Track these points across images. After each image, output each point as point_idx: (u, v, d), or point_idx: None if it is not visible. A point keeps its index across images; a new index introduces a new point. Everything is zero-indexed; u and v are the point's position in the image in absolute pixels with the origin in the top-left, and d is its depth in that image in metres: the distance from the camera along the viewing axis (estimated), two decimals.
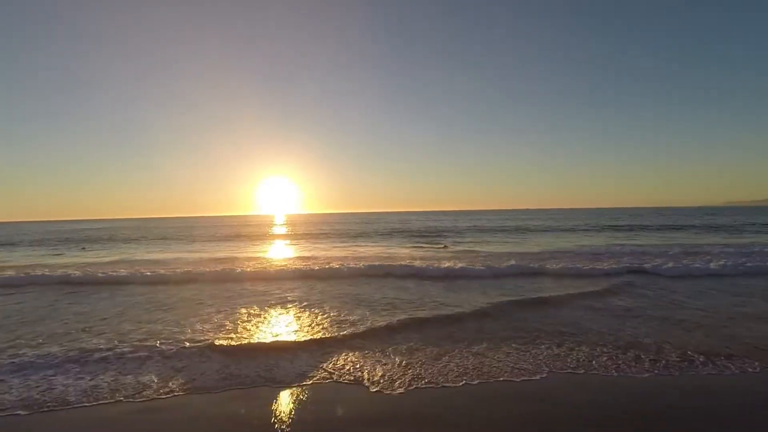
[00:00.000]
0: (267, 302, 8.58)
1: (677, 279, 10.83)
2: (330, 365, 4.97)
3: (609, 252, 17.17)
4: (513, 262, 13.55)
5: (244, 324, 6.84)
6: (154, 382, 4.57)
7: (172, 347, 5.64)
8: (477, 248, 21.11)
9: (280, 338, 6.06)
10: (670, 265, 12.29)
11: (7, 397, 4.21)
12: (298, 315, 7.51)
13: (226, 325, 6.76)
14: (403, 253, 19.36)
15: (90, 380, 4.64)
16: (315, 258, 17.16)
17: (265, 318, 7.29)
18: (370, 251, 20.46)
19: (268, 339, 6.02)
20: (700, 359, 4.99)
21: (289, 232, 41.93)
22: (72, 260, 18.96)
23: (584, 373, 4.65)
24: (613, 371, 4.69)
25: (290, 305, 8.27)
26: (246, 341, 5.89)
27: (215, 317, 7.34)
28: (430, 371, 4.74)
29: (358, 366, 4.93)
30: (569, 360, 5.04)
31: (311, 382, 4.52)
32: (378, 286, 10.28)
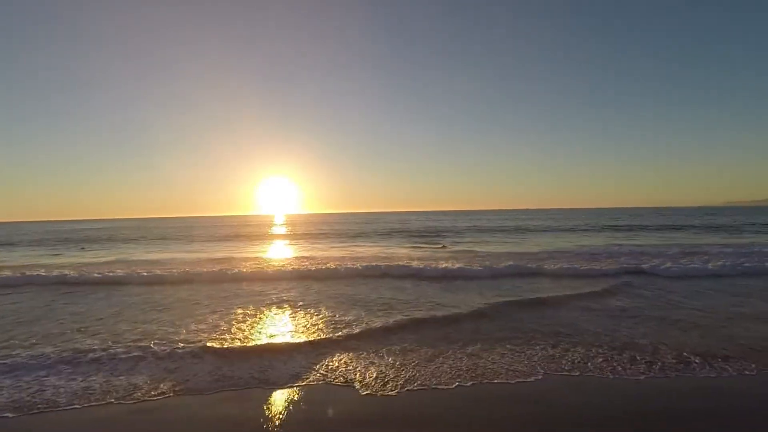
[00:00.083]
0: (263, 303, 8.55)
1: (675, 279, 10.80)
2: (323, 367, 4.95)
3: (607, 252, 17.13)
4: (511, 262, 13.52)
5: (239, 325, 6.81)
6: (146, 383, 4.54)
7: (165, 348, 5.61)
8: (475, 248, 21.08)
9: (274, 339, 6.03)
10: (668, 265, 12.26)
11: None
12: (294, 316, 7.48)
13: (220, 326, 6.73)
14: (401, 253, 19.33)
15: (82, 381, 4.61)
16: (313, 258, 17.13)
17: (260, 319, 7.26)
18: (368, 251, 20.43)
19: (262, 340, 5.99)
20: (697, 360, 4.96)
21: (288, 233, 41.91)
22: (70, 260, 18.93)
23: (580, 375, 4.61)
24: (609, 373, 4.65)
25: (286, 306, 8.24)
26: (240, 342, 5.87)
27: (210, 318, 7.31)
28: (423, 373, 4.71)
29: (351, 367, 4.90)
30: (565, 361, 5.01)
31: (304, 383, 4.49)
32: (375, 287, 10.25)
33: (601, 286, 9.69)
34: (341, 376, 4.67)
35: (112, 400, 4.13)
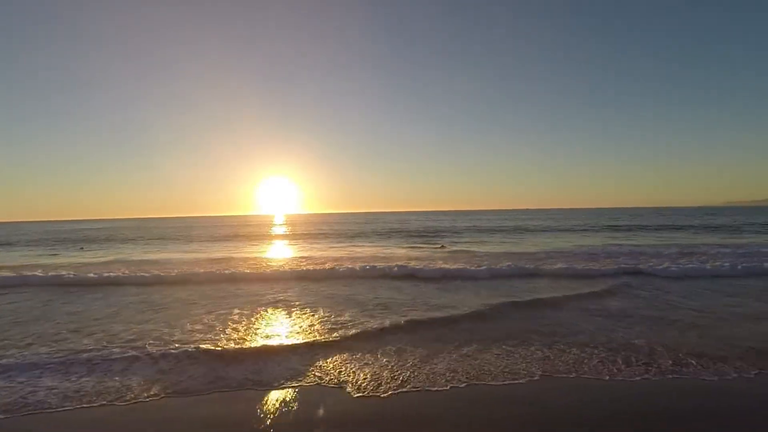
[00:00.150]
0: (259, 303, 8.53)
1: (673, 280, 10.78)
2: (318, 368, 4.93)
3: (606, 252, 17.12)
4: (509, 262, 13.52)
5: (235, 325, 6.80)
6: (139, 384, 4.53)
7: (160, 349, 5.60)
8: (474, 248, 21.06)
9: (269, 340, 6.01)
10: (666, 265, 12.25)
11: None
12: (290, 316, 7.47)
13: (216, 327, 6.71)
14: (399, 253, 19.32)
15: (75, 382, 4.60)
16: (311, 258, 17.12)
17: (255, 319, 7.24)
18: (366, 251, 20.41)
19: (257, 341, 5.97)
20: (693, 361, 4.94)
21: (288, 233, 41.89)
22: (69, 260, 18.91)
23: (576, 376, 4.59)
24: (606, 374, 4.63)
25: (282, 306, 8.22)
26: (235, 343, 5.85)
27: (206, 318, 7.30)
28: (417, 374, 4.69)
29: (345, 369, 4.88)
30: (562, 362, 4.98)
31: (298, 385, 4.47)
32: (372, 287, 10.23)
33: (598, 287, 9.67)
34: (335, 377, 4.65)
35: (104, 402, 4.12)
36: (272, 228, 52.45)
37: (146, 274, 12.32)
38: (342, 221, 72.65)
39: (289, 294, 9.51)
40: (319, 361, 5.16)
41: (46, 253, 23.97)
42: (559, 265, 12.84)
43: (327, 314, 7.45)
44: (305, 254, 19.53)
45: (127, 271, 13.09)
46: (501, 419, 3.69)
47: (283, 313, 7.73)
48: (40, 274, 12.59)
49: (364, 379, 4.59)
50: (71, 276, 12.26)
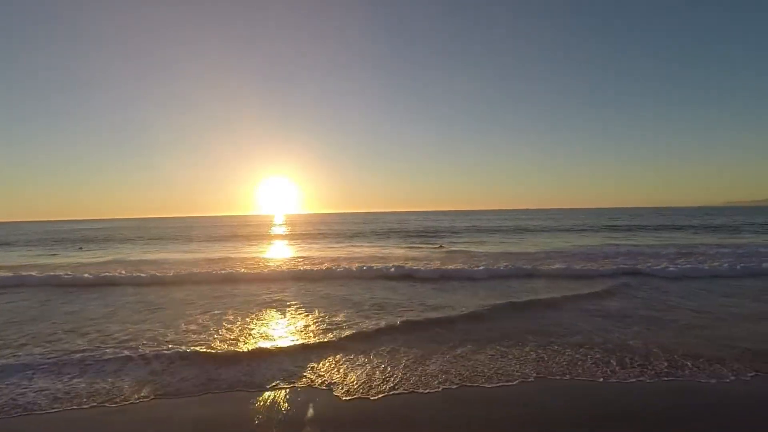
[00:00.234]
0: (255, 304, 8.51)
1: (671, 280, 10.75)
2: (310, 369, 4.90)
3: (605, 252, 17.09)
4: (507, 262, 13.50)
5: (230, 326, 6.78)
6: (130, 385, 4.50)
7: (154, 350, 5.58)
8: (472, 248, 21.04)
9: (263, 341, 5.99)
10: (665, 265, 12.23)
11: None
12: (285, 317, 7.45)
13: (210, 328, 6.69)
14: (398, 253, 19.29)
15: (66, 383, 4.57)
16: (309, 258, 17.10)
17: (250, 320, 7.21)
18: (365, 251, 20.39)
19: (251, 342, 5.94)
20: (689, 363, 4.91)
21: (287, 233, 41.87)
22: (67, 260, 18.90)
23: (572, 378, 4.55)
24: (603, 375, 4.60)
25: (278, 307, 8.20)
26: (228, 344, 5.82)
27: (201, 319, 7.28)
28: (409, 376, 4.66)
29: (337, 370, 4.86)
30: (558, 364, 4.95)
31: (290, 386, 4.45)
32: (368, 288, 10.21)
33: (596, 288, 9.65)
34: (327, 379, 4.62)
35: (95, 403, 4.10)
36: (271, 228, 52.43)
37: (143, 275, 12.30)
38: (341, 221, 72.64)
39: (285, 294, 9.49)
40: (312, 362, 5.13)
41: (44, 253, 23.95)
42: (557, 266, 12.82)
43: (322, 315, 7.44)
44: (303, 254, 19.51)
45: (124, 272, 13.07)
46: (493, 421, 3.67)
47: (278, 313, 7.71)
48: (38, 275, 12.56)
49: (356, 380, 4.56)
50: (68, 276, 12.24)
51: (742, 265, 12.11)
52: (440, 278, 11.39)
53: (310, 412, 3.87)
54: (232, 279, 11.76)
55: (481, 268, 12.36)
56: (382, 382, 4.50)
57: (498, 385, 4.42)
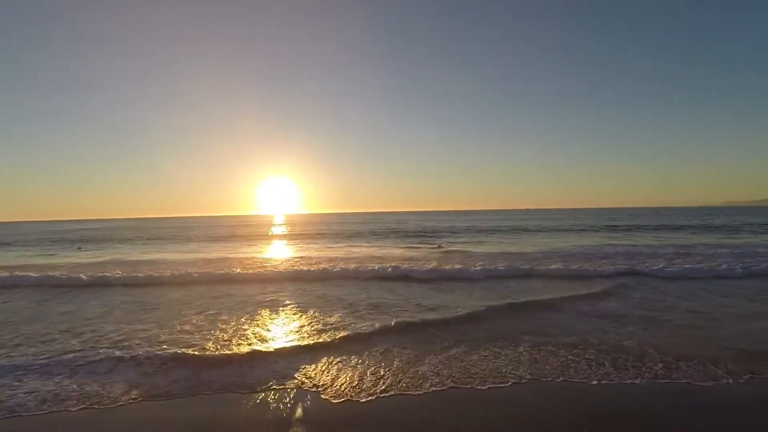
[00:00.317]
0: (250, 304, 8.49)
1: (669, 280, 10.72)
2: (302, 371, 4.87)
3: (603, 252, 17.07)
4: (504, 263, 13.47)
5: (223, 327, 6.74)
6: (121, 387, 4.48)
7: (147, 351, 5.54)
8: (471, 249, 21.01)
9: (256, 342, 5.95)
10: (663, 266, 12.20)
11: None
12: (279, 318, 7.42)
13: (204, 328, 6.66)
14: (396, 253, 19.26)
15: (57, 384, 4.55)
16: (306, 259, 17.07)
17: (245, 321, 7.18)
18: (363, 252, 20.36)
19: (244, 343, 5.91)
20: (684, 365, 4.87)
21: (286, 233, 41.84)
22: (65, 260, 18.86)
23: (566, 380, 4.52)
24: (594, 378, 4.57)
25: (273, 308, 8.17)
26: (222, 345, 5.79)
27: (195, 319, 7.25)
28: (402, 377, 4.63)
29: (329, 372, 4.83)
30: (550, 366, 4.92)
31: (281, 388, 4.42)
32: (364, 288, 10.19)
33: (594, 288, 9.62)
34: (318, 381, 4.59)
35: (84, 405, 4.07)
36: (271, 228, 52.41)
37: (140, 275, 12.28)
38: (341, 221, 72.61)
39: (280, 295, 9.47)
40: (304, 364, 5.10)
41: (43, 253, 23.92)
42: (555, 266, 12.79)
43: (317, 315, 7.41)
44: (301, 254, 19.49)
45: (121, 272, 13.04)
46: (486, 422, 3.64)
47: (273, 314, 7.68)
48: (34, 275, 12.53)
49: (348, 382, 4.53)
50: (65, 276, 12.22)
51: (740, 265, 12.08)
52: (437, 278, 11.36)
53: (300, 414, 3.85)
54: (229, 279, 11.73)
55: (479, 268, 12.33)
56: (373, 384, 4.46)
57: (491, 386, 4.39)
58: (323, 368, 4.94)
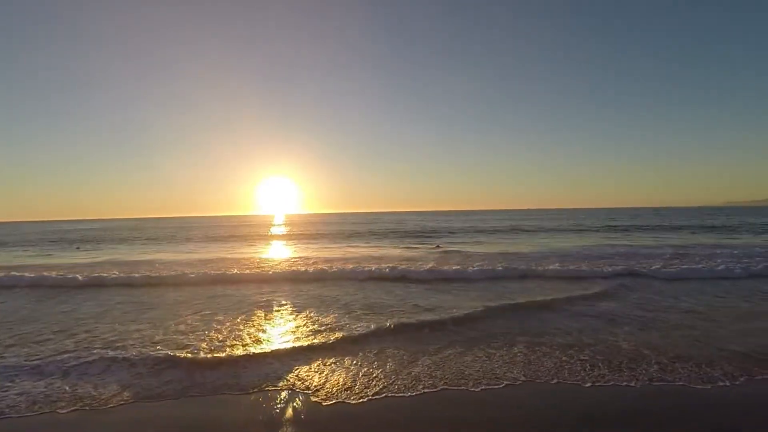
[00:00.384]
0: (246, 305, 8.46)
1: (667, 281, 10.70)
2: (296, 373, 4.84)
3: (601, 253, 17.04)
4: (503, 263, 13.44)
5: (218, 328, 6.72)
6: (113, 388, 4.45)
7: (140, 351, 5.52)
8: (469, 249, 20.98)
9: (251, 343, 5.93)
10: (661, 266, 12.18)
11: None
12: (275, 319, 7.39)
13: (199, 329, 6.64)
14: (394, 253, 19.23)
15: (49, 385, 4.52)
16: (304, 259, 17.04)
17: (240, 322, 7.15)
18: (361, 252, 20.33)
19: (238, 344, 5.88)
20: (679, 366, 4.85)
21: (285, 233, 41.81)
22: (62, 261, 18.83)
23: (560, 382, 4.49)
24: (588, 380, 4.54)
25: (268, 308, 8.15)
26: (215, 346, 5.76)
27: (190, 320, 7.23)
28: (394, 379, 4.61)
29: (322, 374, 4.80)
30: (546, 367, 4.89)
31: (274, 389, 4.40)
32: (361, 288, 10.16)
33: (592, 289, 9.59)
34: (311, 383, 4.57)
35: (75, 407, 4.04)
36: (270, 228, 52.38)
37: (137, 275, 12.25)
38: (340, 221, 72.58)
39: (277, 295, 9.44)
40: (298, 365, 5.07)
41: (41, 253, 23.89)
42: (553, 266, 12.76)
43: (312, 316, 7.38)
44: (299, 255, 19.45)
45: (118, 272, 13.01)
46: (476, 424, 3.62)
47: (269, 315, 7.65)
48: (31, 275, 12.51)
49: (340, 384, 4.51)
50: (61, 277, 12.19)
51: (738, 265, 12.05)
52: (434, 279, 11.33)
53: (290, 416, 3.82)
54: (225, 280, 11.70)
55: (476, 268, 12.30)
56: (365, 386, 4.44)
57: (484, 388, 4.36)
58: (316, 369, 4.92)
